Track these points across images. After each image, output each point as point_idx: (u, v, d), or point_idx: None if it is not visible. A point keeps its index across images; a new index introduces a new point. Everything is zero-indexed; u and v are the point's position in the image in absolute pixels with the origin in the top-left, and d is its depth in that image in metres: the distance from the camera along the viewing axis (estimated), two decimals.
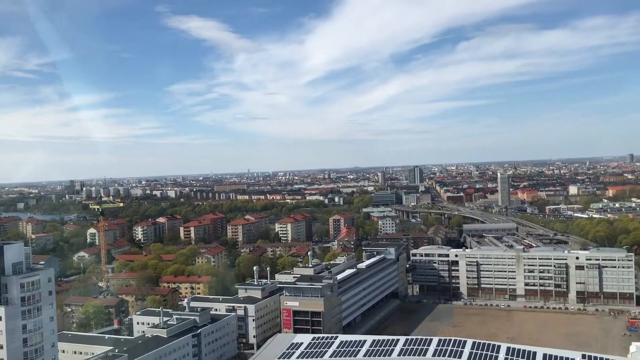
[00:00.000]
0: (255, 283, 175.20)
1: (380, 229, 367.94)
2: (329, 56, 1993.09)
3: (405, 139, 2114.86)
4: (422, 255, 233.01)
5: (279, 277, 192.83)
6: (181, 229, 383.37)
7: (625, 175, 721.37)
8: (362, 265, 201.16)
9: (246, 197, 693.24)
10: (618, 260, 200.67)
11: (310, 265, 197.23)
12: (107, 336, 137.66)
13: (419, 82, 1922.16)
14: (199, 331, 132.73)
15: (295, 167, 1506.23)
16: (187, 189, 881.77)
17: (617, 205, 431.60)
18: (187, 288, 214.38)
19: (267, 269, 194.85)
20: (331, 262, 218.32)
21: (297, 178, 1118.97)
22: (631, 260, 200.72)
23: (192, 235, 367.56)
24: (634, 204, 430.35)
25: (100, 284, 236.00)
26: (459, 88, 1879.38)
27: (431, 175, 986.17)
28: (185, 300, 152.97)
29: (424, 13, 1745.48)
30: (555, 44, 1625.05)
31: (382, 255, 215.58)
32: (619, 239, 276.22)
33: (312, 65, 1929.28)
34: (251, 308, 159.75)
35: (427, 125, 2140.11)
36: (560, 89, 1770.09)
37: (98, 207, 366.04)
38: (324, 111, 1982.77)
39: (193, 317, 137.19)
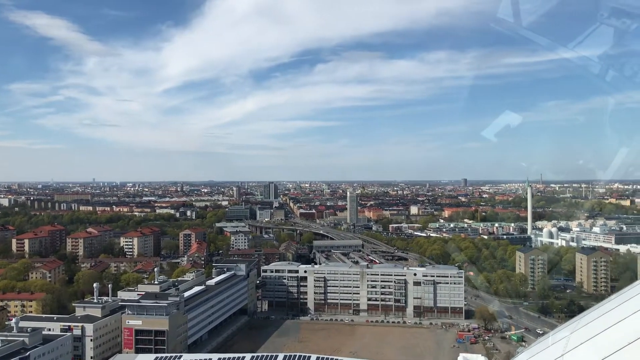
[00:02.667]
0: (95, 300, 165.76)
1: (233, 244, 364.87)
2: (187, 66, 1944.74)
3: (261, 154, 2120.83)
4: (272, 272, 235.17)
5: (122, 295, 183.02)
6: (14, 240, 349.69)
7: (460, 198, 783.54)
8: (211, 282, 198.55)
9: (90, 208, 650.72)
10: (450, 277, 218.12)
11: (156, 282, 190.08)
12: None
13: (276, 99, 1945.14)
14: (27, 354, 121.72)
15: (146, 178, 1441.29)
16: (23, 197, 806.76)
17: (451, 225, 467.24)
18: (17, 306, 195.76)
19: (110, 285, 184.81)
20: (179, 278, 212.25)
21: (147, 190, 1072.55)
22: (462, 277, 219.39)
23: (27, 248, 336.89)
24: (465, 225, 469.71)
25: None
26: (315, 108, 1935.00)
27: (286, 192, 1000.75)
28: (14, 319, 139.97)
29: (284, 33, 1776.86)
30: (403, 73, 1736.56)
31: (233, 272, 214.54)
32: (452, 257, 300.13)
33: (169, 74, 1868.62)
34: (89, 327, 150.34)
35: (283, 143, 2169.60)
36: (406, 115, 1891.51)
37: None
38: (179, 122, 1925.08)
39: (22, 339, 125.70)
